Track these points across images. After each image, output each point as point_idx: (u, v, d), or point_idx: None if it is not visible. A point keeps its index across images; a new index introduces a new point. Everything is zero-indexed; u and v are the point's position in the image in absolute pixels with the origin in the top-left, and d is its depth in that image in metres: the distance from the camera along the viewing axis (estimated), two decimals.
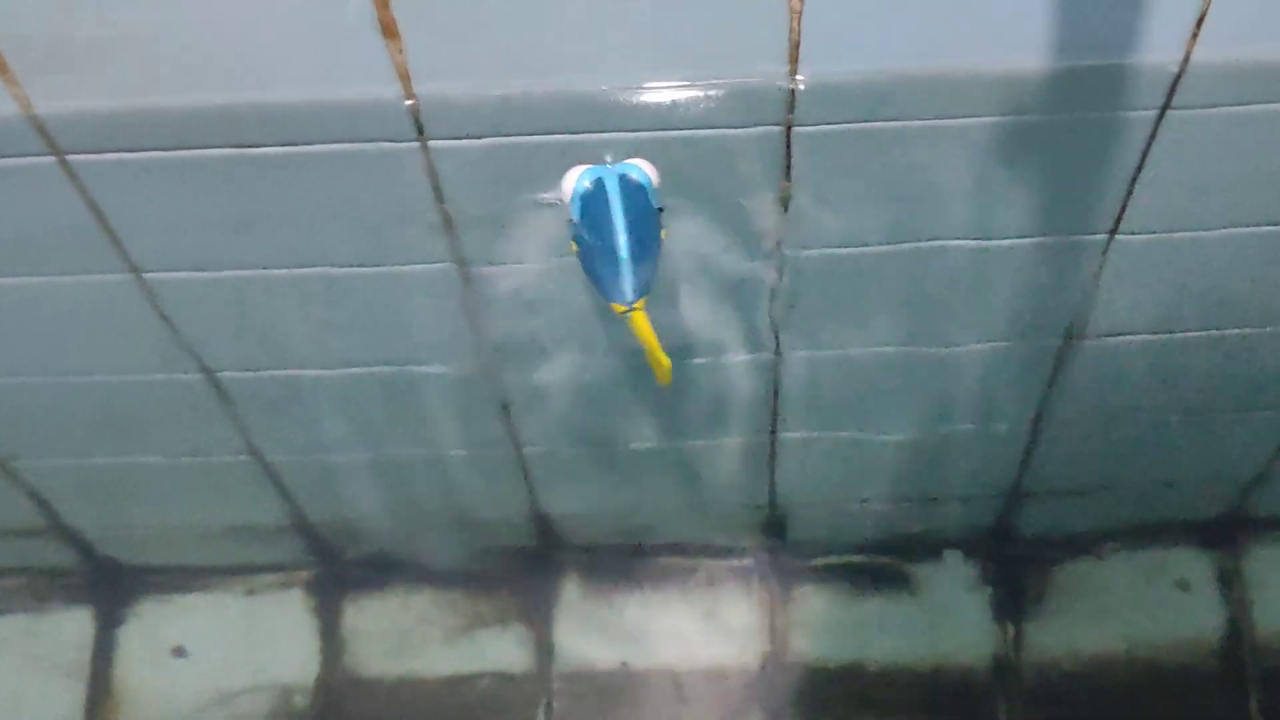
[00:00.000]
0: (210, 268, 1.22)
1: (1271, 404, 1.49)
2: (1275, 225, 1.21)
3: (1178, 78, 1.04)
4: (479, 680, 1.77)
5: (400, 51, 0.99)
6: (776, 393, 1.44)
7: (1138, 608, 1.76)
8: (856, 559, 1.79)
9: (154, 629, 1.82)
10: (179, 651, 1.81)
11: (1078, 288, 1.28)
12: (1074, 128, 1.09)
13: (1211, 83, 1.04)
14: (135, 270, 1.22)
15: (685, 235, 1.18)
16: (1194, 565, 1.77)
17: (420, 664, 1.78)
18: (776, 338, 1.34)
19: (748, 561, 1.80)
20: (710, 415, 1.49)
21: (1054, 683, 1.74)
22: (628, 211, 1.03)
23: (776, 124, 1.07)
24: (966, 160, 1.11)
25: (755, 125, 1.07)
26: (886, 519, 1.73)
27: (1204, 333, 1.36)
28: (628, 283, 1.03)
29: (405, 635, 1.80)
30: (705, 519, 1.75)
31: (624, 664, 1.77)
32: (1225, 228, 1.21)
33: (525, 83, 1.03)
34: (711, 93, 1.04)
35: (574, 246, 1.08)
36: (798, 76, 1.02)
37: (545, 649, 1.78)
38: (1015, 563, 1.78)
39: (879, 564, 1.79)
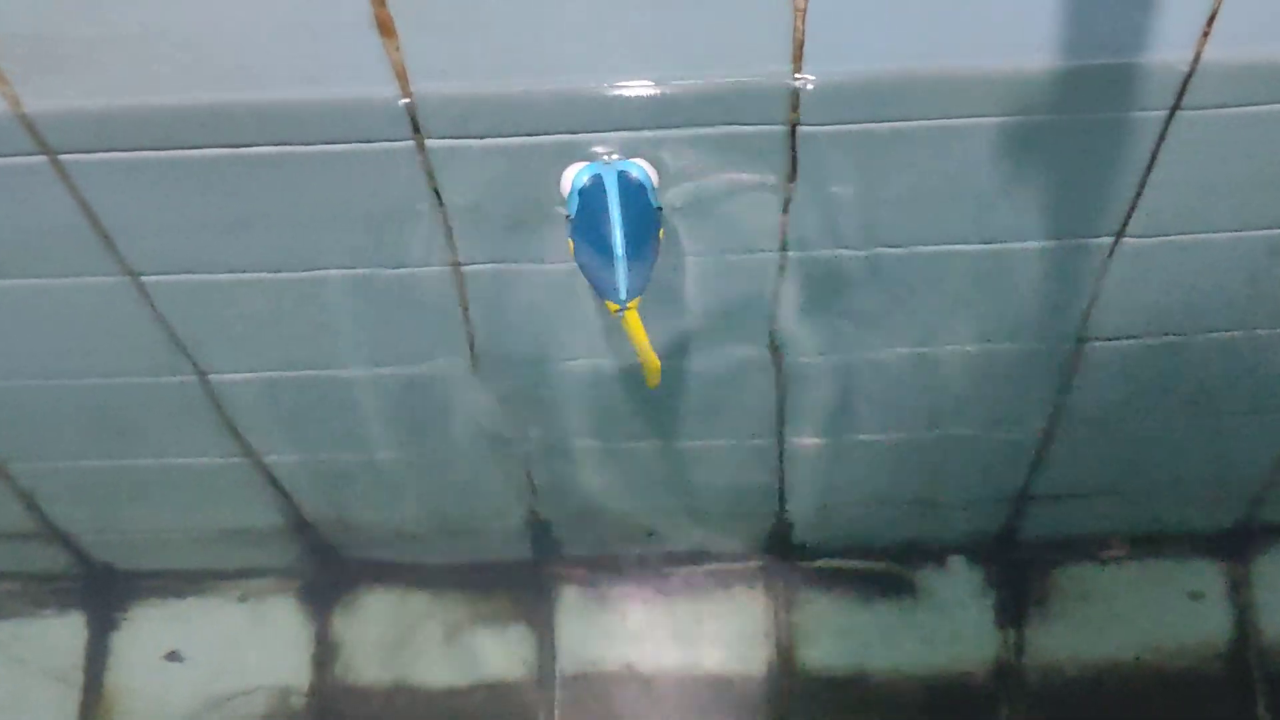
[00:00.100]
0: (204, 269, 1.21)
1: None
2: None
3: (1188, 77, 1.02)
4: (478, 686, 1.76)
5: (397, 49, 0.98)
6: (781, 396, 1.43)
7: (1144, 614, 1.75)
8: (861, 564, 1.78)
9: (148, 634, 1.81)
10: (173, 656, 1.80)
11: (1085, 291, 1.27)
12: (1082, 128, 1.07)
13: (1223, 83, 1.03)
14: (129, 272, 1.21)
15: (686, 236, 1.17)
16: (1202, 572, 1.76)
17: (418, 669, 1.77)
18: (781, 340, 1.33)
19: (752, 566, 1.79)
20: (713, 418, 1.48)
21: (1059, 689, 1.72)
22: (625, 209, 1.01)
23: (780, 124, 1.05)
24: (973, 161, 1.10)
25: (758, 125, 1.05)
26: (891, 524, 1.72)
27: (1213, 335, 1.35)
28: (622, 282, 1.02)
29: (403, 640, 1.79)
30: (709, 523, 1.74)
31: (627, 668, 1.76)
32: (1235, 230, 1.20)
33: (525, 81, 1.02)
34: (713, 92, 1.03)
35: (570, 244, 1.06)
36: (802, 75, 1.01)
37: (547, 654, 1.77)
38: (1021, 568, 1.77)
39: (884, 569, 1.78)
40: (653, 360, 1.12)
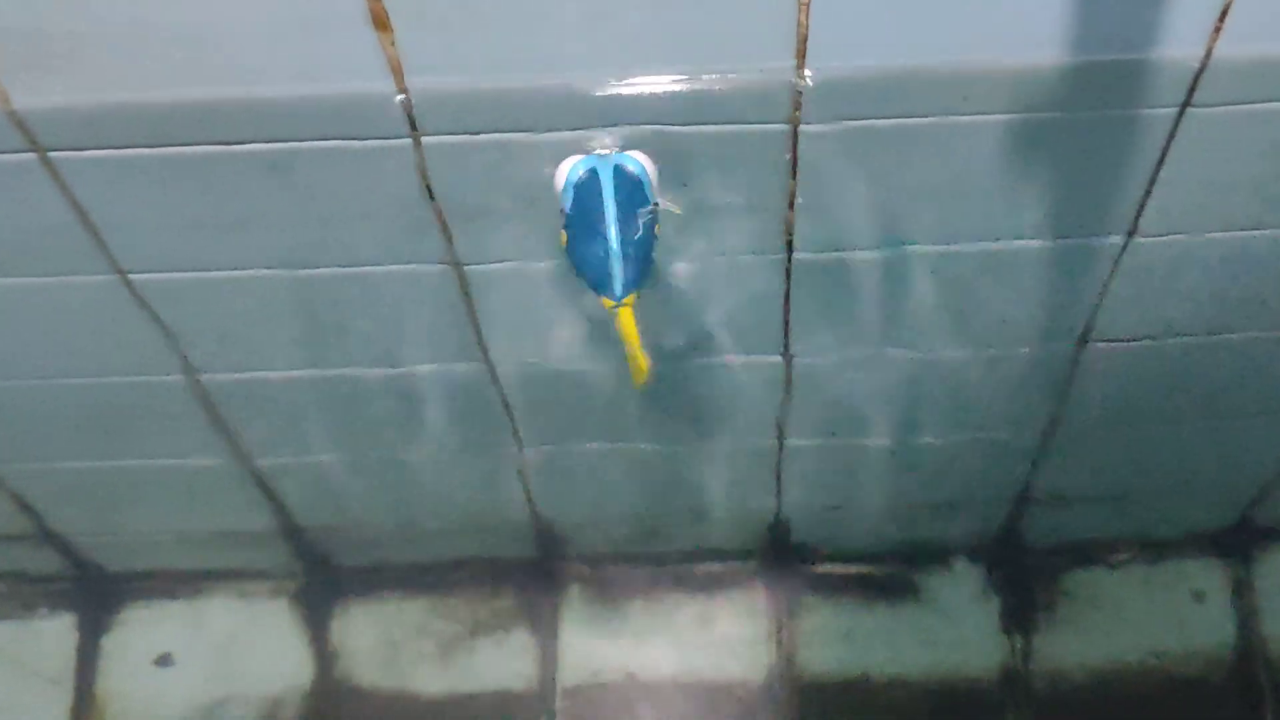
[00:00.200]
0: (196, 268, 1.20)
1: None
2: None
3: (1199, 74, 1.01)
4: (479, 692, 1.75)
5: (392, 44, 0.97)
6: (782, 397, 1.42)
7: (1149, 618, 1.74)
8: (863, 568, 1.78)
9: (140, 636, 1.80)
10: (165, 660, 1.79)
11: (1093, 291, 1.26)
12: (1091, 125, 1.06)
13: (1234, 79, 1.02)
14: (119, 270, 1.20)
15: (687, 235, 1.16)
16: (1207, 575, 1.76)
17: (416, 676, 1.77)
18: (783, 341, 1.32)
19: (754, 570, 1.78)
20: (716, 420, 1.47)
21: (1064, 694, 1.72)
22: (620, 204, 1.00)
23: (783, 121, 1.04)
24: (979, 159, 1.09)
25: (761, 122, 1.04)
26: (894, 527, 1.72)
27: (1221, 336, 1.34)
28: (618, 278, 1.00)
29: (400, 645, 1.78)
30: (711, 526, 1.73)
31: (628, 673, 1.75)
32: (1246, 229, 1.19)
33: (522, 76, 1.00)
34: (715, 88, 1.01)
35: (564, 237, 1.05)
36: (806, 72, 1.00)
37: (548, 660, 1.76)
38: (1025, 572, 1.77)
39: (886, 573, 1.78)
40: (642, 360, 1.10)
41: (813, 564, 1.77)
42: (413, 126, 1.04)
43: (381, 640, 1.78)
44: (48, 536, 1.70)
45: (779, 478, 1.58)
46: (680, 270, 1.21)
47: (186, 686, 1.77)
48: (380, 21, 0.95)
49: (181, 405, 1.40)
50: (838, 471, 1.57)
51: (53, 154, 1.06)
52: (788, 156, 1.08)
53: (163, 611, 1.81)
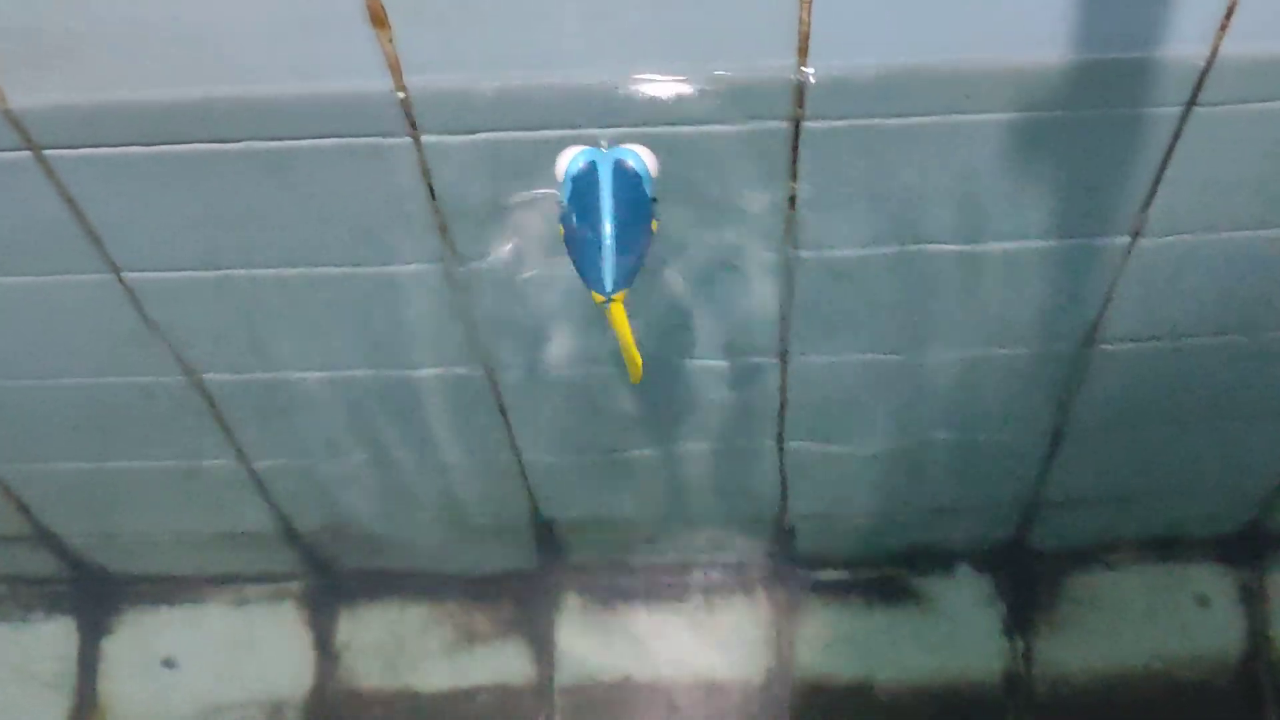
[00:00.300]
0: (194, 267, 1.20)
1: None
2: None
3: (1205, 72, 1.01)
4: (478, 694, 1.75)
5: (390, 41, 0.96)
6: (783, 399, 1.41)
7: (1154, 622, 1.74)
8: (865, 572, 1.77)
9: (141, 640, 1.79)
10: (167, 663, 1.79)
11: (1097, 292, 1.25)
12: (1095, 124, 1.06)
13: (1240, 78, 1.01)
14: (116, 270, 1.20)
15: (687, 234, 1.15)
16: (1213, 580, 1.75)
17: (417, 677, 1.76)
18: (783, 342, 1.32)
19: (755, 574, 1.78)
20: (716, 422, 1.46)
21: (1067, 699, 1.71)
22: (617, 198, 0.99)
23: (784, 119, 1.03)
24: (982, 159, 1.09)
25: (762, 120, 1.04)
26: (896, 531, 1.71)
27: (1227, 338, 1.33)
28: (609, 273, 1.00)
29: (401, 647, 1.77)
30: (711, 530, 1.72)
31: (628, 677, 1.75)
32: (1252, 229, 1.18)
33: (522, 74, 1.00)
34: (716, 86, 1.01)
35: (560, 230, 1.04)
36: (807, 69, 0.99)
37: (546, 662, 1.75)
38: (1028, 576, 1.76)
39: (888, 577, 1.77)
40: (635, 356, 1.10)
41: (814, 568, 1.77)
42: (412, 125, 1.03)
43: (383, 642, 1.77)
44: (46, 538, 1.70)
45: (781, 481, 1.58)
46: (680, 269, 1.20)
47: (190, 689, 1.77)
48: (378, 19, 0.95)
49: (182, 406, 1.40)
50: (839, 475, 1.56)
51: (48, 152, 1.06)
52: (789, 155, 1.07)
53: (165, 615, 1.80)
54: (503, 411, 1.43)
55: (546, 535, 1.72)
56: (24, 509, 1.62)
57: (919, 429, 1.48)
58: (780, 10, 0.95)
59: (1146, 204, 1.14)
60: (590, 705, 1.73)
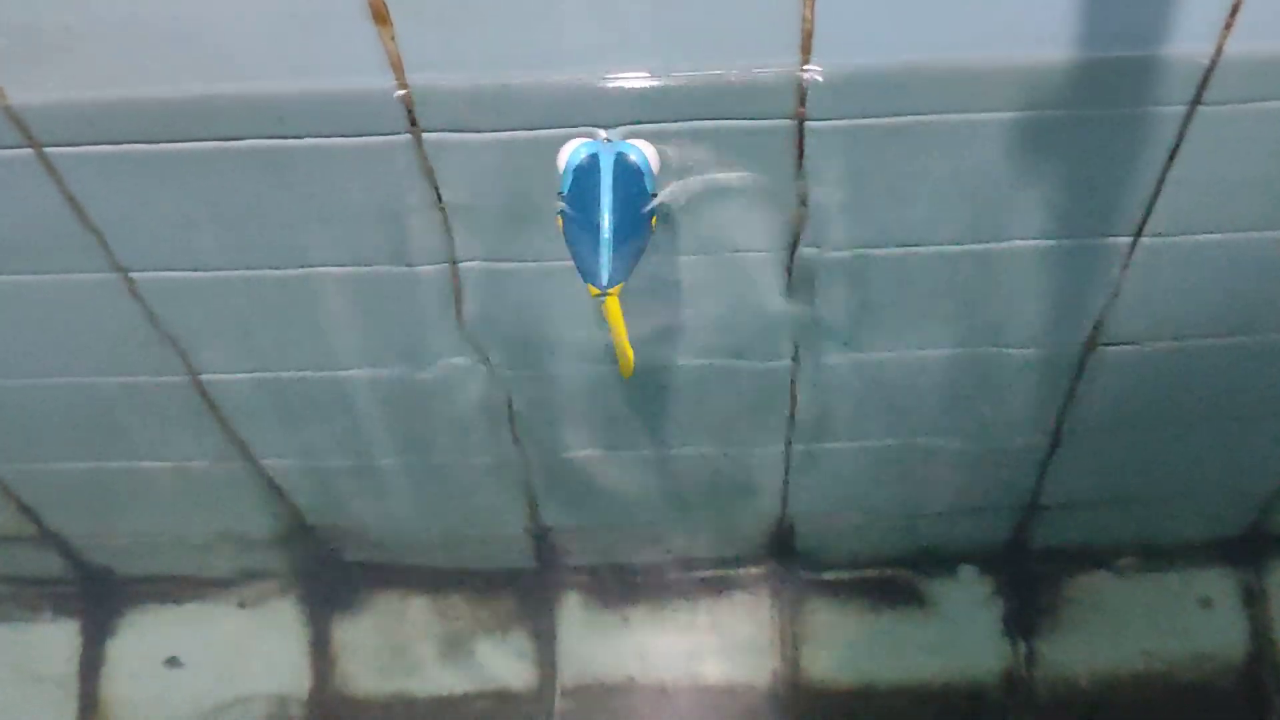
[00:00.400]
0: (195, 266, 1.20)
1: None
2: None
3: (1209, 71, 1.00)
4: (478, 695, 1.75)
5: (392, 39, 0.96)
6: (784, 400, 1.41)
7: (1156, 624, 1.73)
8: (868, 573, 1.77)
9: (145, 640, 1.79)
10: (170, 663, 1.78)
11: (1101, 292, 1.25)
12: (1100, 123, 1.05)
13: (1245, 76, 1.01)
14: (118, 268, 1.20)
15: (686, 231, 1.15)
16: (1215, 581, 1.75)
17: (417, 678, 1.76)
18: (784, 343, 1.31)
19: (757, 575, 1.77)
20: (716, 422, 1.46)
21: (1069, 700, 1.71)
22: (617, 191, 0.99)
23: (788, 117, 1.03)
24: (986, 157, 1.08)
25: (765, 119, 1.03)
26: (899, 532, 1.71)
27: (1231, 339, 1.32)
28: (605, 266, 0.99)
29: (402, 648, 1.77)
30: (715, 531, 1.72)
31: (630, 679, 1.74)
32: (1257, 229, 1.17)
33: (524, 72, 1.00)
34: (718, 84, 1.01)
35: (559, 221, 1.04)
36: (810, 67, 0.99)
37: (548, 663, 1.75)
38: (1030, 578, 1.76)
39: (891, 578, 1.76)
40: (628, 350, 1.10)
41: (818, 570, 1.76)
42: (413, 123, 1.03)
43: (384, 643, 1.77)
44: (48, 539, 1.70)
45: (784, 482, 1.57)
46: (683, 267, 1.20)
47: (193, 689, 1.77)
48: (380, 16, 0.95)
49: (183, 405, 1.40)
50: (843, 477, 1.56)
51: (49, 149, 1.06)
52: (793, 153, 1.07)
53: (169, 615, 1.80)
54: (505, 411, 1.43)
55: (548, 535, 1.71)
56: (27, 510, 1.62)
57: (923, 431, 1.47)
58: (782, 9, 0.95)
59: (1151, 204, 1.14)
60: (591, 706, 1.73)
